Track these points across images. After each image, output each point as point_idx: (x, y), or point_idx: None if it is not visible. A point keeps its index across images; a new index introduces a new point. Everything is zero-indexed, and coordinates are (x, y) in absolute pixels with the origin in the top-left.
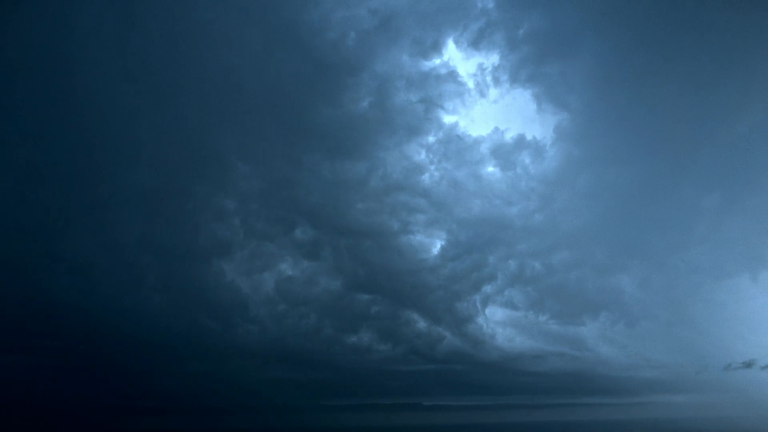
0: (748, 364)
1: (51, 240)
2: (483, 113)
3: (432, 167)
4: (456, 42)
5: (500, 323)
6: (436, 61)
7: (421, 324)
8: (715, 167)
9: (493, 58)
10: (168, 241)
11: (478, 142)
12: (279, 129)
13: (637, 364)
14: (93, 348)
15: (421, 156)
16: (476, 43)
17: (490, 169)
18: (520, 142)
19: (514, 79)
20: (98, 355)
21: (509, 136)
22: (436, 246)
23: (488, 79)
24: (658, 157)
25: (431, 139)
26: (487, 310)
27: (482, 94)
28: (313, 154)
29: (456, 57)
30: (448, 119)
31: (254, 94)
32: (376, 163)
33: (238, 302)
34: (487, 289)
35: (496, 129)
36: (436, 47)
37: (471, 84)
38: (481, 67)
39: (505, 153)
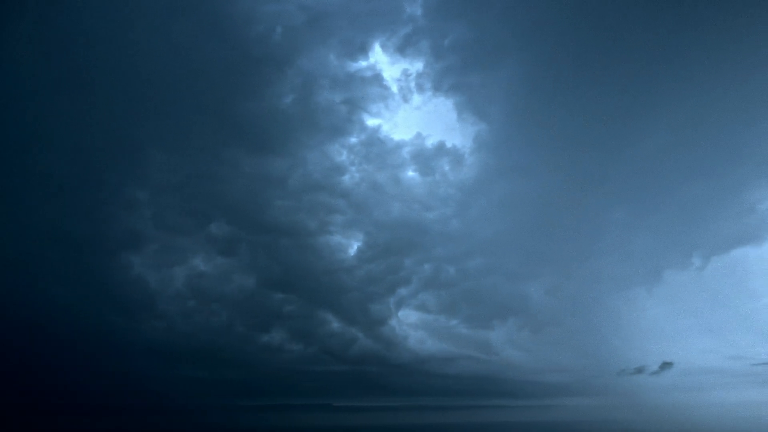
0: (639, 370)
1: None
2: (406, 118)
3: (353, 168)
4: (383, 46)
5: (413, 326)
6: (363, 63)
7: (335, 324)
8: (622, 183)
9: (417, 65)
10: (74, 230)
11: (399, 146)
12: (199, 120)
13: (541, 368)
14: None
15: (343, 157)
16: (402, 49)
17: (410, 173)
18: (441, 149)
19: (437, 87)
20: None
21: (430, 142)
22: (353, 247)
23: (412, 85)
24: (570, 171)
25: (353, 140)
26: (401, 313)
27: (405, 99)
28: (233, 148)
29: (382, 61)
30: (371, 122)
31: (175, 83)
32: (296, 161)
33: (145, 297)
34: (402, 291)
35: (419, 134)
36: (363, 49)
37: (395, 89)
38: (405, 73)
39: (425, 159)
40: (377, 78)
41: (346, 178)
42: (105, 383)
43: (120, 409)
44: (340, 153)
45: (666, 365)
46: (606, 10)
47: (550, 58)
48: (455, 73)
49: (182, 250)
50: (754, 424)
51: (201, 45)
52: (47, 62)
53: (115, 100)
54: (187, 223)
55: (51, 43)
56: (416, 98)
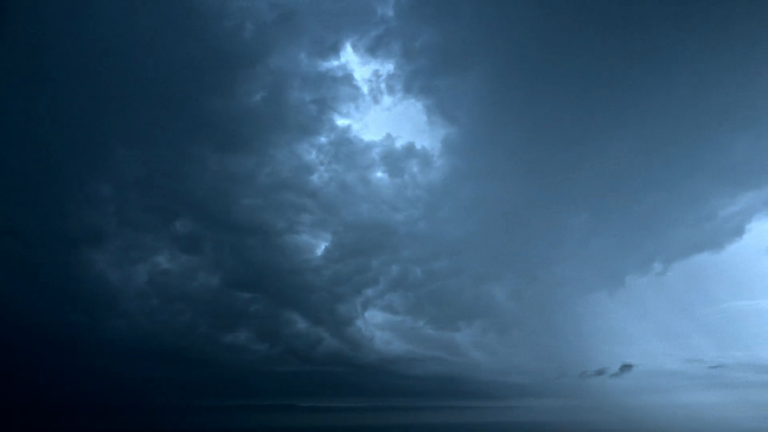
0: (600, 372)
1: None
2: (376, 119)
3: (322, 168)
4: (354, 46)
5: (379, 326)
6: (334, 63)
7: (301, 325)
8: (585, 189)
9: (388, 66)
10: (31, 225)
11: (369, 147)
12: (164, 115)
13: (505, 369)
14: None
15: (312, 156)
16: (373, 50)
17: (379, 174)
18: (410, 151)
19: (408, 89)
20: None
21: (399, 143)
22: (321, 247)
23: (383, 86)
24: (535, 176)
25: (323, 140)
26: (367, 313)
27: (376, 100)
28: (200, 144)
29: (353, 61)
30: (341, 122)
31: (141, 77)
32: (264, 160)
33: (107, 295)
34: (369, 292)
35: (388, 135)
36: (335, 49)
37: (365, 89)
38: (376, 74)
39: (394, 160)
40: (348, 78)
41: (314, 178)
42: (63, 382)
43: (79, 409)
44: (309, 152)
45: (626, 367)
46: (574, 22)
47: (517, 64)
48: (425, 76)
49: (146, 248)
50: (711, 425)
51: (168, 39)
52: (4, 55)
53: (76, 92)
54: (151, 219)
55: (9, 36)
56: (386, 99)
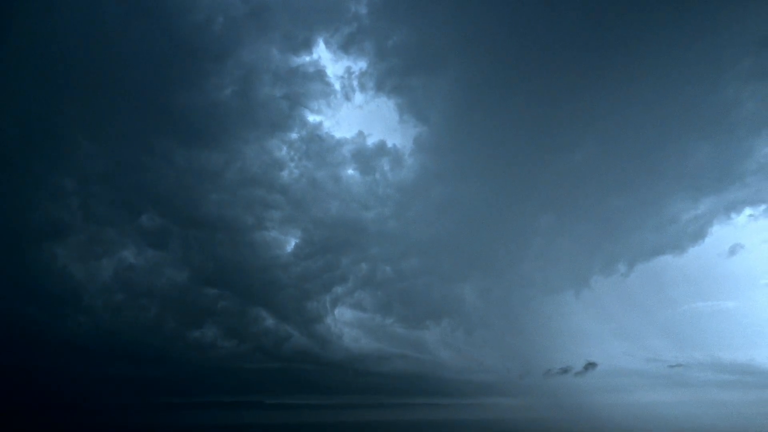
0: (565, 371)
1: None
2: (347, 117)
3: (292, 164)
4: (326, 43)
5: (348, 324)
6: (306, 59)
7: (269, 321)
8: (552, 191)
9: (361, 64)
10: None
11: (340, 144)
12: (131, 109)
13: (471, 368)
14: None
15: (282, 152)
16: (346, 47)
17: (350, 171)
18: (381, 149)
19: (380, 87)
20: None
21: (371, 141)
22: (290, 244)
23: (355, 83)
24: (503, 177)
25: (294, 136)
26: (336, 311)
27: (348, 97)
28: (167, 139)
29: (325, 57)
30: (312, 118)
31: (106, 69)
32: (234, 155)
33: (69, 290)
34: (338, 290)
35: (360, 133)
36: (307, 45)
37: (338, 86)
38: (348, 71)
39: (365, 158)
40: (320, 74)
41: (284, 174)
42: (23, 381)
43: (40, 409)
44: (280, 148)
45: (590, 366)
46: (544, 26)
47: (489, 66)
48: (398, 75)
49: (111, 242)
50: (670, 423)
51: (135, 30)
52: None
53: (37, 84)
54: (116, 214)
55: None
56: (358, 97)
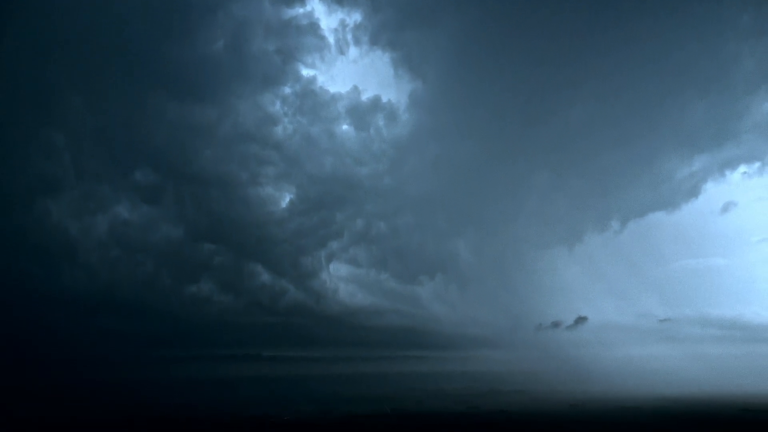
0: (556, 325)
1: None
2: (342, 71)
3: (286, 120)
4: None
5: (343, 279)
6: (299, 11)
7: (265, 277)
8: (547, 148)
9: (355, 16)
10: None
11: (335, 99)
12: (121, 63)
13: (464, 321)
14: None
15: (276, 107)
16: None
17: (345, 127)
18: (376, 104)
19: (375, 41)
20: None
21: (366, 96)
22: (285, 200)
23: (349, 37)
24: (499, 134)
25: (287, 90)
26: (332, 266)
27: (342, 51)
28: (158, 93)
29: (319, 9)
30: (306, 72)
31: (96, 22)
32: (226, 110)
33: (65, 246)
34: (333, 245)
35: (355, 88)
36: None
37: (331, 39)
38: (342, 24)
39: (360, 113)
40: (313, 27)
41: (278, 130)
42: (20, 335)
43: (38, 363)
44: (273, 103)
45: (581, 320)
46: None
47: (485, 21)
48: (393, 28)
49: (105, 198)
50: (659, 375)
51: None
52: None
53: (25, 38)
54: (109, 169)
55: None
56: (353, 51)
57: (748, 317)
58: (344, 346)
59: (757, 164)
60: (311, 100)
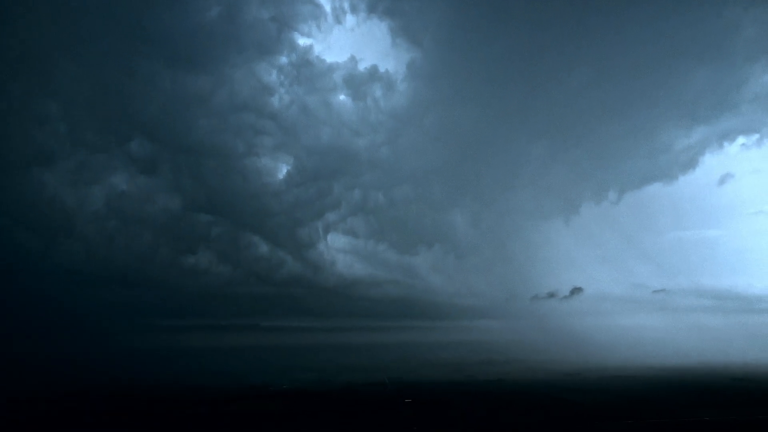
0: (551, 295)
1: None
2: (339, 40)
3: (282, 90)
4: None
5: (341, 250)
6: None
7: (263, 248)
8: (545, 118)
9: None
10: None
11: (332, 68)
12: (113, 30)
13: (461, 292)
14: None
15: (272, 77)
16: None
17: (342, 97)
18: (373, 74)
19: (372, 9)
20: None
21: (363, 66)
22: (282, 171)
23: (345, 5)
24: (497, 104)
25: (283, 60)
26: (329, 237)
27: (338, 20)
28: (151, 62)
29: None
30: (302, 41)
31: None
32: (222, 79)
33: (61, 217)
34: (330, 216)
35: (352, 57)
36: None
37: (328, 8)
38: None
39: (357, 83)
40: None
41: (274, 100)
42: (18, 306)
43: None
44: (269, 73)
45: (576, 290)
46: None
47: None
48: None
49: (101, 168)
50: (653, 345)
51: None
52: None
53: (17, 4)
54: (104, 139)
55: None
56: (350, 19)
57: (741, 288)
58: (342, 317)
59: (756, 136)
60: (308, 69)
